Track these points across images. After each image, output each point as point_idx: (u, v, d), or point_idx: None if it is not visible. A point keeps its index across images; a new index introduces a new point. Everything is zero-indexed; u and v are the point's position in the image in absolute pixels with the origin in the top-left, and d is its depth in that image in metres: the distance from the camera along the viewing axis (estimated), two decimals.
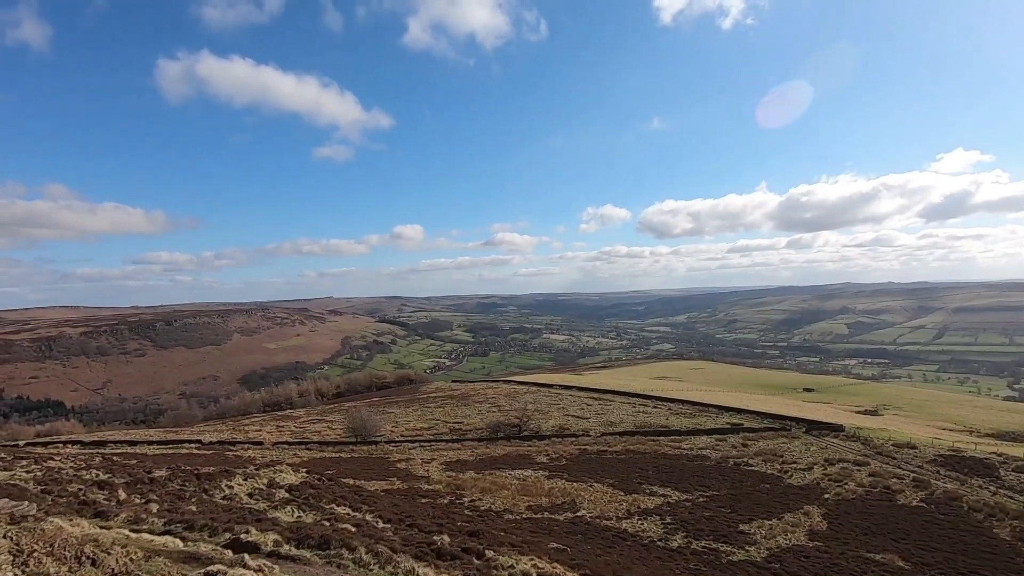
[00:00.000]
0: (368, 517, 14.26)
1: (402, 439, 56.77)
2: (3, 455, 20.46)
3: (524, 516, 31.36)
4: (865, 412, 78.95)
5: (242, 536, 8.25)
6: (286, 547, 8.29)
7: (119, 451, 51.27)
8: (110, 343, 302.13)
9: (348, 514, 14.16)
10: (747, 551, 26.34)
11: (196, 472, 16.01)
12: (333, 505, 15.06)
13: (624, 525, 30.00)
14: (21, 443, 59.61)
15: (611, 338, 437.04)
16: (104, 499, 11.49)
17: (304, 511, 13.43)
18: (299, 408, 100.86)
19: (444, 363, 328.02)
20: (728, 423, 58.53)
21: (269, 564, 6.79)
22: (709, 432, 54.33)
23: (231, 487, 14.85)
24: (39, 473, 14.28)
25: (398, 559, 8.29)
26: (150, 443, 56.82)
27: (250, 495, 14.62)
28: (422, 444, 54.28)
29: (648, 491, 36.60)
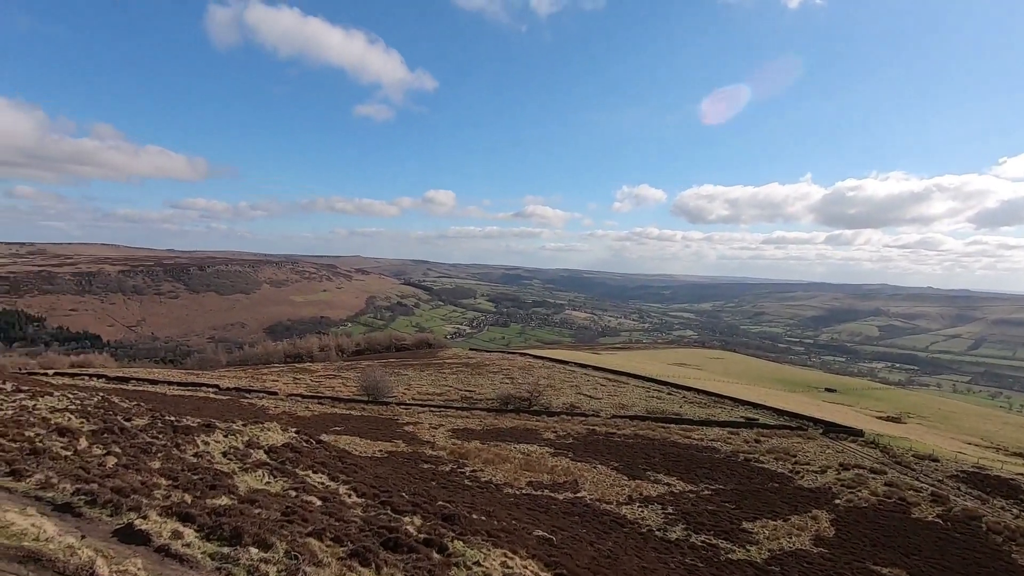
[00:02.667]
0: (342, 489, 13.88)
1: (413, 402, 57.26)
2: (3, 385, 20.88)
3: (523, 492, 31.25)
4: (888, 419, 76.59)
5: (136, 523, 7.62)
6: (182, 540, 7.40)
7: (139, 388, 53.01)
8: (146, 283, 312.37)
9: (321, 484, 13.82)
10: (748, 550, 25.75)
11: (174, 424, 15.89)
12: (309, 472, 14.72)
13: (624, 511, 29.64)
14: (51, 372, 62.11)
15: (633, 320, 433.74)
16: (61, 447, 11.38)
17: (275, 476, 13.12)
18: (318, 362, 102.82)
19: (464, 330, 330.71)
20: (743, 417, 57.37)
21: (132, 570, 6.12)
22: (722, 424, 53.33)
23: (207, 443, 14.62)
24: (11, 412, 14.31)
25: (318, 568, 7.43)
26: (170, 383, 58.57)
27: (224, 454, 14.39)
28: (432, 409, 54.67)
29: (652, 478, 36.12)
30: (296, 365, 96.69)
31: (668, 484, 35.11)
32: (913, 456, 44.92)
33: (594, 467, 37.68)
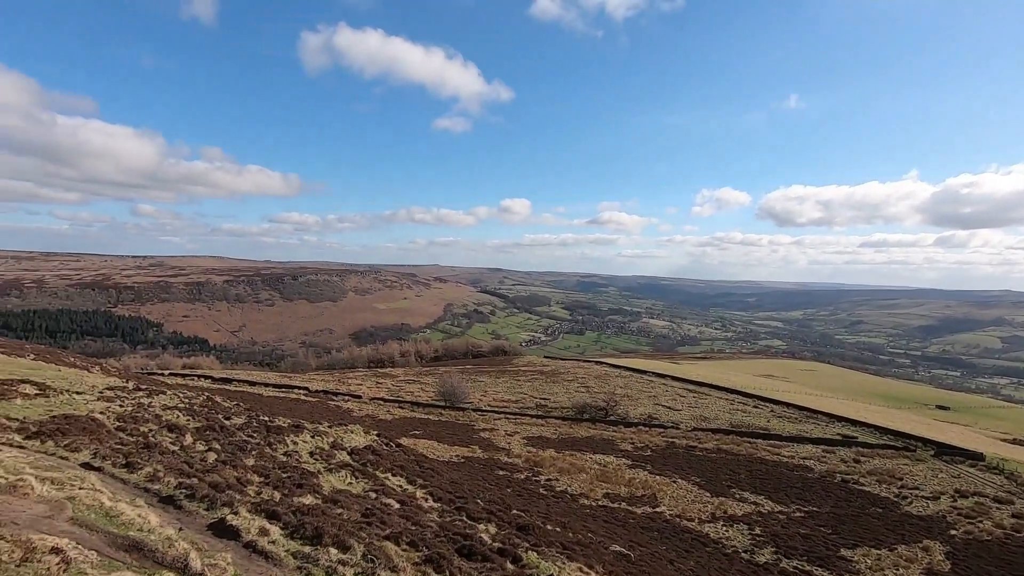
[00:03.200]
0: (419, 493, 14.17)
1: (488, 409, 57.90)
2: (126, 384, 23.29)
3: (600, 504, 30.60)
4: (1014, 441, 68.03)
5: (228, 518, 8.08)
6: (268, 537, 7.77)
7: (240, 389, 57.39)
8: (246, 292, 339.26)
9: (399, 487, 14.18)
10: None
11: (267, 424, 16.95)
12: (389, 475, 15.17)
13: (706, 529, 28.24)
14: (166, 373, 68.75)
15: (715, 328, 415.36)
16: (169, 443, 12.47)
17: (356, 478, 13.61)
18: (399, 367, 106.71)
19: (539, 338, 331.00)
20: (839, 434, 53.11)
21: (222, 565, 6.43)
22: (815, 441, 49.61)
23: (296, 443, 15.48)
24: (131, 409, 15.90)
25: (393, 572, 7.52)
26: (266, 385, 62.95)
27: (311, 454, 15.16)
28: (507, 416, 54.99)
29: (738, 496, 34.20)
30: (378, 370, 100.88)
31: (755, 503, 33.08)
32: None
33: (674, 481, 36.25)
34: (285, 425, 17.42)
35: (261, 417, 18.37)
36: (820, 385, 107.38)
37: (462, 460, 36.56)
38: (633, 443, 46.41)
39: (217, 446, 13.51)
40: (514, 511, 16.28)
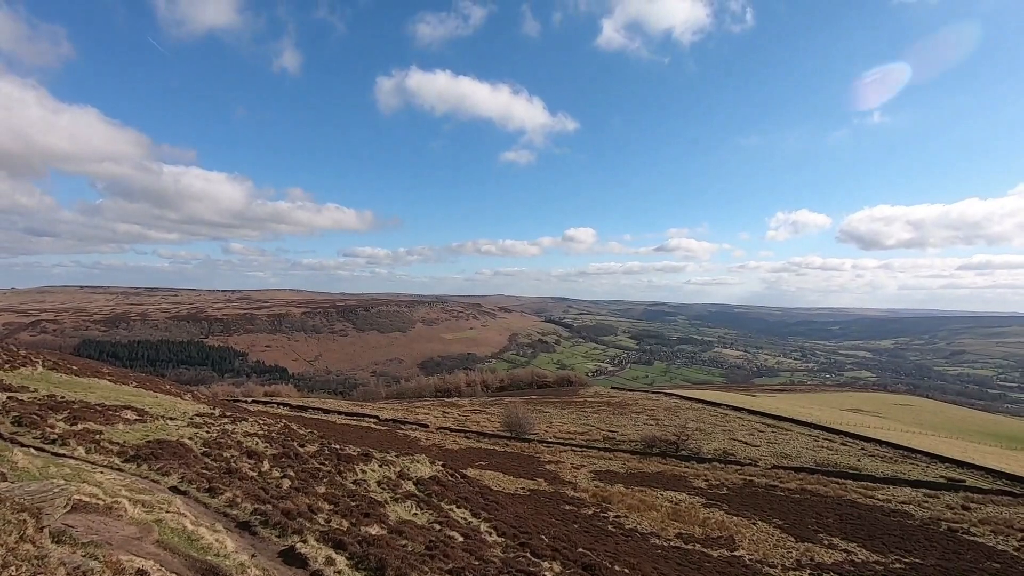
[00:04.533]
0: (483, 526, 14.03)
1: (554, 440, 56.99)
2: (213, 411, 24.84)
3: (672, 544, 29.05)
4: None
5: (297, 546, 8.28)
6: (334, 567, 7.91)
7: (315, 416, 59.79)
8: (322, 323, 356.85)
9: (463, 519, 14.11)
10: None
11: (338, 452, 17.47)
12: (453, 506, 15.16)
13: None
14: (249, 400, 72.87)
15: (794, 359, 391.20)
16: (248, 468, 13.10)
17: (421, 508, 13.68)
18: (465, 397, 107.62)
19: (606, 368, 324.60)
20: (943, 476, 47.98)
21: None
22: (915, 484, 45.05)
23: (364, 472, 15.83)
24: (216, 435, 16.89)
25: None
26: (339, 413, 65.24)
27: (379, 483, 15.43)
28: (573, 448, 53.87)
29: (826, 542, 31.44)
30: (445, 399, 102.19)
31: (846, 551, 30.26)
32: None
33: (753, 523, 33.90)
34: (355, 453, 17.94)
35: (333, 445, 19.04)
36: (918, 421, 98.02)
37: (527, 493, 36.00)
38: (707, 480, 44.02)
39: (291, 473, 14.09)
40: (580, 549, 15.75)
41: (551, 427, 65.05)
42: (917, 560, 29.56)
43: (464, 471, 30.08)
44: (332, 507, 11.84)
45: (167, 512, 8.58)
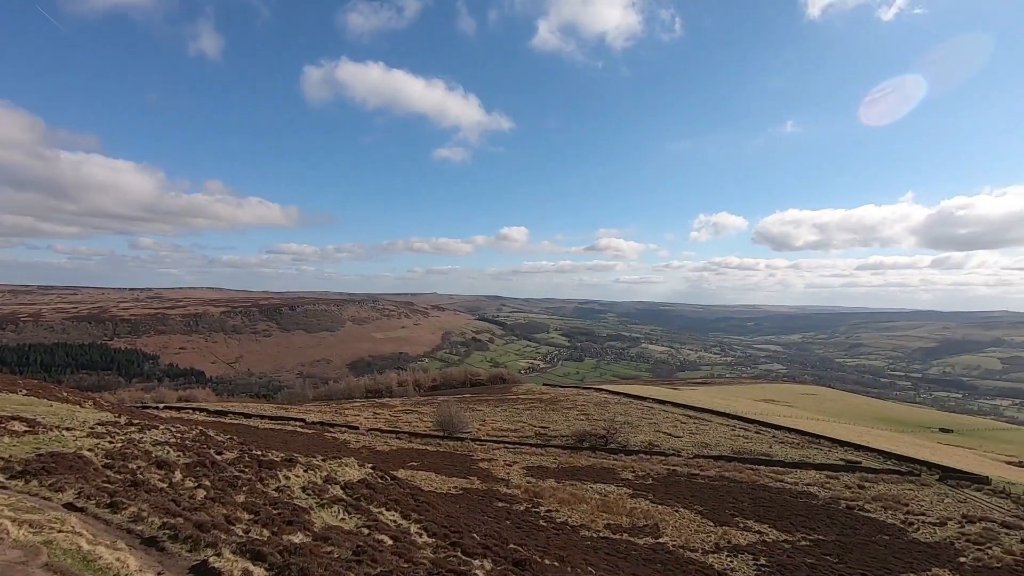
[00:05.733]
0: (414, 528, 13.83)
1: (487, 438, 57.13)
2: (118, 419, 22.95)
3: (601, 535, 29.92)
4: (1020, 464, 67.20)
5: (210, 560, 7.84)
6: None
7: (235, 422, 56.63)
8: (244, 323, 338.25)
9: (393, 522, 13.85)
10: None
11: (260, 458, 16.67)
12: (383, 509, 14.83)
13: (710, 560, 27.57)
14: (160, 406, 67.91)
15: (714, 353, 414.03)
16: (158, 479, 12.21)
17: (349, 513, 13.30)
18: (397, 397, 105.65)
19: (538, 365, 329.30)
20: (842, 459, 52.41)
21: None
22: (819, 467, 48.92)
23: (288, 478, 15.18)
24: (120, 445, 15.62)
25: None
26: (262, 417, 62.16)
27: (304, 489, 14.84)
28: (506, 445, 54.24)
29: (741, 525, 33.50)
30: (376, 400, 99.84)
31: (759, 532, 32.39)
32: None
33: (676, 510, 35.56)
34: (278, 459, 17.13)
35: (254, 451, 18.07)
36: (821, 409, 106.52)
37: (460, 492, 35.88)
38: (634, 471, 45.69)
39: (207, 483, 13.23)
40: (511, 545, 15.87)
41: (484, 425, 65.16)
42: (820, 537, 32.11)
43: (395, 473, 29.50)
44: (252, 516, 11.21)
45: (59, 532, 7.78)
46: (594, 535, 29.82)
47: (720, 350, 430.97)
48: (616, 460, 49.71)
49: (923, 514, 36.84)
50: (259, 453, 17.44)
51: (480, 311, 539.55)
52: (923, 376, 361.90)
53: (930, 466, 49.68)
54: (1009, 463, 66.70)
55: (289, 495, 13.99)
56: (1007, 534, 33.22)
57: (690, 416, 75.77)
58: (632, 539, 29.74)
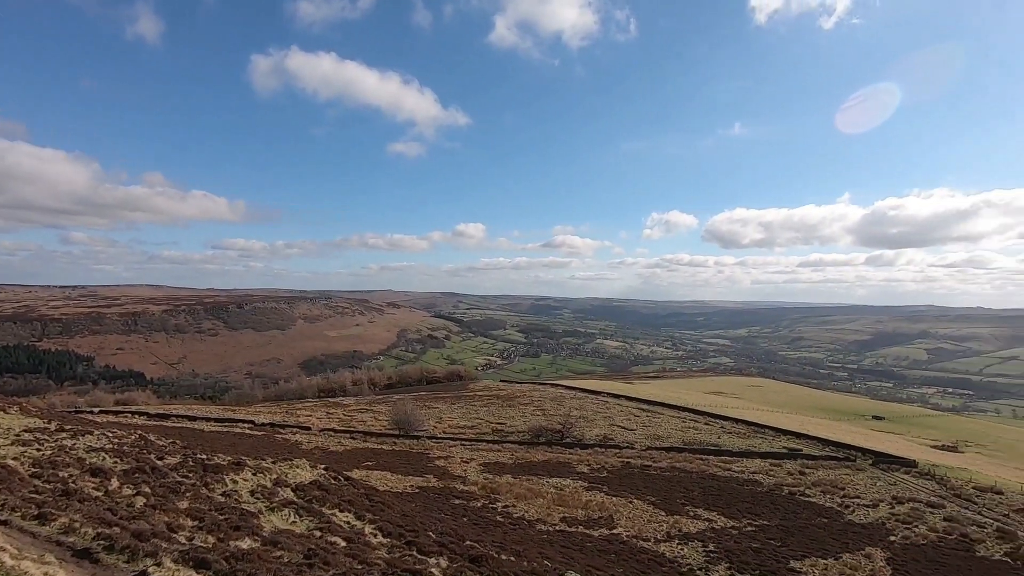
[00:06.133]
0: (368, 529, 13.62)
1: (444, 436, 56.83)
2: (48, 425, 21.54)
3: (557, 528, 30.30)
4: (943, 448, 72.25)
5: (150, 570, 7.50)
6: None
7: (178, 425, 54.17)
8: (187, 322, 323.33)
9: (347, 523, 13.59)
10: None
11: (205, 462, 16.01)
12: (336, 510, 14.52)
13: (662, 548, 28.37)
14: (95, 410, 64.15)
15: (666, 347, 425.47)
16: (92, 488, 11.55)
17: (301, 516, 12.96)
18: (351, 396, 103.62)
19: (495, 362, 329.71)
20: (785, 447, 54.95)
21: None
22: (763, 455, 51.14)
23: (235, 482, 14.63)
24: (50, 452, 14.68)
25: None
26: (208, 419, 59.71)
27: (252, 492, 14.35)
28: (463, 443, 54.11)
29: (692, 513, 34.64)
30: (329, 399, 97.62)
31: (708, 520, 33.58)
32: (974, 488, 42.09)
33: (630, 502, 36.40)
34: (225, 463, 16.44)
35: (199, 455, 17.29)
36: (766, 400, 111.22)
37: (416, 491, 35.56)
38: (589, 465, 46.47)
39: (147, 489, 12.56)
40: (467, 542, 15.85)
41: (441, 422, 64.78)
42: (765, 522, 33.57)
43: (349, 473, 28.93)
44: (196, 523, 10.72)
45: None
46: (550, 529, 30.17)
47: (672, 345, 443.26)
48: (572, 454, 50.42)
49: (858, 497, 39.08)
50: (204, 457, 16.69)
51: (436, 308, 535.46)
52: (858, 367, 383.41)
53: (864, 452, 52.73)
54: (934, 447, 71.59)
55: (237, 499, 13.46)
56: (931, 513, 35.70)
57: (643, 409, 77.66)
58: (587, 531, 30.26)
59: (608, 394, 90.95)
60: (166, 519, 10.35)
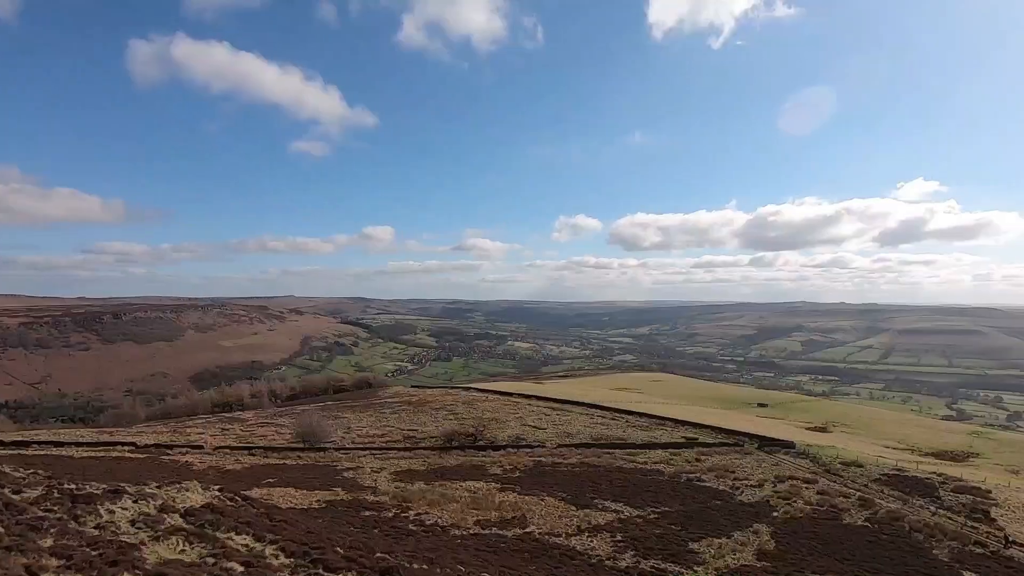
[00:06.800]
0: (269, 551, 12.78)
1: (353, 446, 54.79)
2: None
3: (471, 532, 30.23)
4: (815, 429, 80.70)
5: None
6: None
7: (41, 452, 47.81)
8: (52, 335, 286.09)
9: (245, 546, 12.66)
10: (695, 571, 25.93)
11: (73, 493, 14.26)
12: (232, 534, 13.49)
13: (573, 542, 29.23)
14: None
15: (575, 347, 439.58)
16: None
17: (191, 543, 11.89)
18: (250, 410, 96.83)
19: (406, 367, 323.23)
20: (683, 437, 58.67)
21: None
22: (664, 446, 54.27)
23: (112, 512, 13.14)
24: None
25: None
26: (79, 444, 53.27)
27: (133, 522, 12.97)
28: (373, 452, 52.47)
29: (600, 506, 35.98)
30: (225, 415, 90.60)
31: (616, 511, 35.05)
32: (840, 463, 47.35)
33: (542, 499, 37.13)
34: (99, 491, 14.62)
35: (66, 485, 15.27)
36: (667, 394, 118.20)
37: (323, 505, 33.95)
38: (503, 466, 46.82)
39: (0, 528, 10.89)
40: (378, 554, 15.34)
41: (349, 432, 62.35)
42: (667, 509, 35.64)
43: (248, 492, 27.00)
44: (63, 562, 9.45)
45: None
46: (464, 533, 30.05)
47: (580, 344, 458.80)
48: (485, 456, 50.55)
49: (746, 479, 42.61)
50: (72, 487, 14.77)
51: (343, 313, 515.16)
52: (745, 359, 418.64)
53: (751, 437, 57.59)
54: (808, 428, 79.75)
55: (114, 531, 12.03)
56: (807, 488, 39.73)
57: (554, 408, 79.54)
58: (501, 532, 30.48)
59: (520, 395, 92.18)
60: (24, 561, 9.03)
